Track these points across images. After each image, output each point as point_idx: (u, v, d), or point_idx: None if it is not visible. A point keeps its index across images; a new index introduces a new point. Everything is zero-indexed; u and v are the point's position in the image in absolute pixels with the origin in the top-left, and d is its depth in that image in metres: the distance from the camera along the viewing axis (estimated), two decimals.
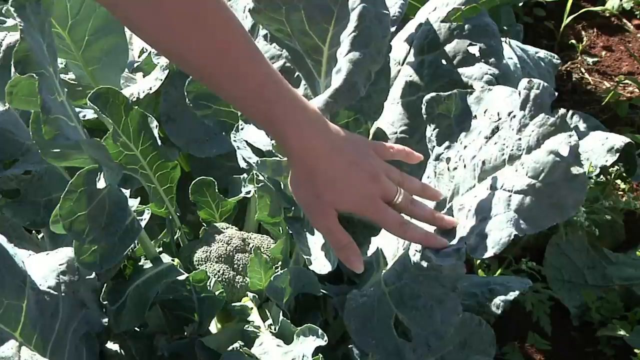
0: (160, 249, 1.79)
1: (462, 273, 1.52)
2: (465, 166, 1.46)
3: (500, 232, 1.27)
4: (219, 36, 1.40)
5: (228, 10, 1.41)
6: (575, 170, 1.22)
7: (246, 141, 1.68)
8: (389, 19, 1.59)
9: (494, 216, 1.32)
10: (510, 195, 1.30)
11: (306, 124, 1.41)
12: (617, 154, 1.92)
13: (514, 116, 1.39)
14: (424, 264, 1.41)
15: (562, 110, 1.25)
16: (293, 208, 1.69)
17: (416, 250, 1.44)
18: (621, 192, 2.17)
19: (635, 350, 2.04)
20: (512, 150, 1.35)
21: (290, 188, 1.50)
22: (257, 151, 1.67)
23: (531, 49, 2.04)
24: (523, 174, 1.31)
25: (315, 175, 1.40)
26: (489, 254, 1.27)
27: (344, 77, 1.52)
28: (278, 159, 1.60)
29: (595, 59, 2.72)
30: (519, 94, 1.39)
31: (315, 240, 1.64)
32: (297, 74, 1.70)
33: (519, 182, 1.30)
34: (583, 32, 2.80)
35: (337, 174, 1.40)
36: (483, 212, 1.35)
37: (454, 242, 1.38)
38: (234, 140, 1.71)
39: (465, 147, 1.49)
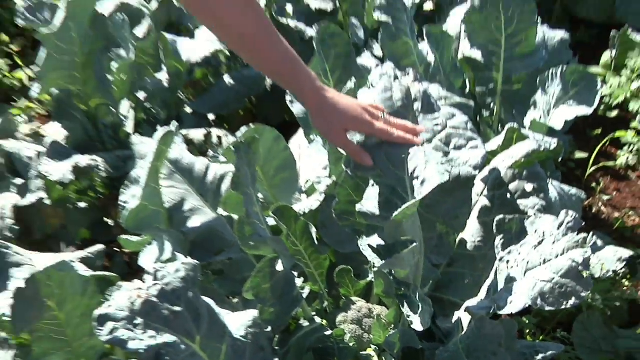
0: (314, 313, 1.99)
1: (501, 332, 1.73)
2: (518, 265, 1.74)
3: (519, 302, 1.60)
4: (270, 28, 1.84)
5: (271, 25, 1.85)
6: (585, 274, 1.57)
7: (368, 244, 1.86)
8: (472, 168, 1.83)
9: (520, 293, 1.63)
10: (536, 282, 1.61)
11: (316, 80, 1.87)
12: (624, 262, 2.17)
13: (552, 234, 1.71)
14: (480, 322, 1.73)
15: (584, 234, 1.64)
16: (402, 288, 1.86)
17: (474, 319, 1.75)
18: (626, 287, 2.34)
19: None
20: (548, 257, 1.67)
21: (313, 125, 1.96)
22: (375, 251, 1.85)
23: (566, 188, 2.21)
24: (550, 270, 1.62)
25: (325, 109, 1.87)
26: (509, 311, 1.63)
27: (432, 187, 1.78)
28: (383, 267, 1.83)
29: (609, 197, 3.00)
30: (559, 221, 1.71)
31: (416, 318, 1.79)
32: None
33: (545, 275, 1.61)
34: (601, 179, 3.06)
35: (338, 106, 1.86)
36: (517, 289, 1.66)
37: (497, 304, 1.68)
38: (360, 245, 1.90)
39: (519, 253, 1.76)
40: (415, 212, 1.79)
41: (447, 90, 2.33)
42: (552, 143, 2.20)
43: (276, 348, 1.87)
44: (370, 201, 1.88)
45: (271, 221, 1.98)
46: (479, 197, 1.93)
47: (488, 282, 1.82)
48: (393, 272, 1.85)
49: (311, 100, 1.87)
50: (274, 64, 1.86)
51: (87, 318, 1.62)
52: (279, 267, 1.84)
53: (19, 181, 2.76)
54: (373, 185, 1.90)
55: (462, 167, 1.84)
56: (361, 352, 1.89)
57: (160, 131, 1.96)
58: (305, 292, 2.00)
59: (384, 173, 1.86)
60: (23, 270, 1.95)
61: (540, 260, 1.71)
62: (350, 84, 2.25)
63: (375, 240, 1.87)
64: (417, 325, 1.78)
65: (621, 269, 2.24)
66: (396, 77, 2.03)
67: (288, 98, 2.32)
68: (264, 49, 1.84)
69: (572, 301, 1.60)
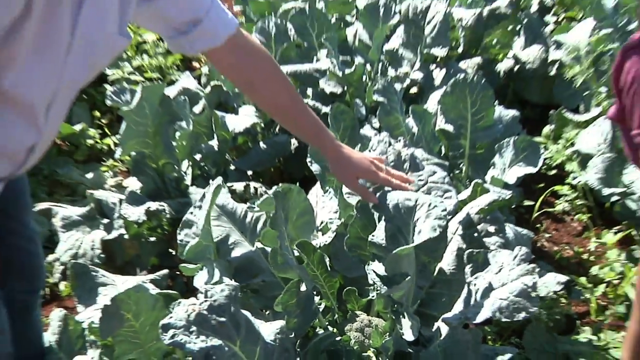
0: (327, 323, 1.98)
1: (470, 338, 1.74)
2: (482, 287, 1.73)
3: (483, 315, 1.62)
4: (301, 103, 1.84)
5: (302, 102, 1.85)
6: (533, 294, 1.61)
7: (373, 270, 1.83)
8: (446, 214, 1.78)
9: (484, 308, 1.65)
10: (496, 300, 1.64)
11: (335, 140, 1.86)
12: (562, 285, 2.14)
13: (508, 264, 1.74)
14: (453, 331, 1.74)
15: (532, 264, 1.68)
16: (396, 306, 1.83)
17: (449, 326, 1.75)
18: (563, 304, 2.35)
19: None
20: (505, 281, 1.70)
21: (332, 172, 1.94)
22: (379, 276, 1.82)
23: (518, 229, 2.20)
24: (507, 291, 1.64)
25: (341, 161, 1.85)
26: (477, 321, 1.65)
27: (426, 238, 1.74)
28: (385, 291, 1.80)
29: (550, 235, 2.96)
30: (514, 254, 1.75)
31: (406, 328, 1.80)
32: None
33: (503, 295, 1.63)
34: (544, 221, 3.02)
35: (352, 159, 1.84)
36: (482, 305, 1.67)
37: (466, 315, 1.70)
38: (367, 270, 1.86)
39: (484, 278, 1.76)
40: (411, 252, 1.77)
41: (428, 153, 2.31)
42: (507, 194, 2.23)
43: (298, 350, 1.85)
44: (380, 232, 1.85)
45: (295, 252, 1.98)
46: (454, 235, 1.91)
47: (460, 300, 1.80)
48: (392, 295, 1.83)
49: (331, 154, 1.85)
50: (303, 128, 1.86)
51: (155, 326, 1.62)
52: (303, 287, 1.83)
53: (105, 221, 2.77)
54: (383, 221, 1.88)
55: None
56: (363, 354, 1.87)
57: (212, 184, 1.96)
58: (321, 307, 1.99)
59: (394, 216, 1.85)
60: (108, 289, 1.98)
61: (499, 283, 1.73)
62: (356, 149, 2.24)
63: (379, 267, 1.84)
64: (408, 335, 1.78)
65: (560, 290, 2.23)
66: (390, 144, 2.06)
67: (308, 159, 2.31)
68: (296, 117, 1.83)
69: (523, 315, 1.62)
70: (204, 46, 1.61)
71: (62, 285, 2.66)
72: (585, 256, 2.76)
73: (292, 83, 1.75)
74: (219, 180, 2.01)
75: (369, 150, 2.10)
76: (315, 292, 1.96)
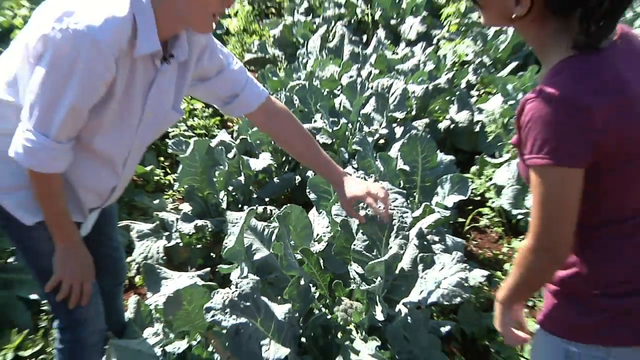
0: (321, 306, 1.97)
1: (422, 316, 1.72)
2: (430, 281, 1.71)
3: (431, 299, 1.61)
4: (316, 147, 1.65)
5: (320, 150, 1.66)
6: (465, 284, 1.61)
7: (354, 270, 1.83)
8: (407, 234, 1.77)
9: (432, 295, 1.63)
10: (440, 289, 1.63)
11: (341, 171, 1.65)
12: (485, 277, 2.14)
13: (448, 264, 1.71)
14: (410, 311, 1.73)
15: (464, 264, 1.67)
16: (370, 294, 1.80)
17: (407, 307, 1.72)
18: (485, 290, 2.33)
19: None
20: (446, 275, 1.67)
21: (338, 193, 1.67)
22: (359, 275, 1.83)
23: (455, 238, 2.17)
24: (447, 283, 1.63)
25: (341, 188, 1.63)
26: (426, 304, 1.63)
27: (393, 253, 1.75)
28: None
29: (476, 242, 2.89)
30: (452, 257, 1.73)
31: (377, 309, 1.77)
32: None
33: (445, 285, 1.62)
34: (472, 233, 2.94)
35: (350, 187, 1.62)
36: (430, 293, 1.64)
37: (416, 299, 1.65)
38: (350, 269, 1.86)
39: (431, 274, 1.74)
40: (383, 262, 1.74)
41: (391, 185, 2.27)
42: (447, 214, 2.23)
43: (300, 325, 1.84)
44: (359, 242, 1.84)
45: (298, 256, 1.97)
46: (410, 244, 1.87)
47: (415, 289, 1.78)
48: (370, 284, 1.80)
49: (336, 182, 1.68)
50: (318, 166, 1.70)
51: (201, 309, 1.60)
52: (302, 281, 1.82)
53: (166, 233, 2.74)
54: (362, 234, 1.84)
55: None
56: (346, 327, 1.85)
57: (247, 210, 1.94)
58: (317, 295, 1.97)
59: (373, 233, 1.82)
60: (167, 282, 1.95)
61: (442, 277, 1.71)
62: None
63: (358, 268, 1.84)
64: (378, 314, 1.80)
65: (483, 281, 2.23)
66: (365, 179, 2.01)
67: (307, 190, 2.28)
68: (310, 158, 1.69)
69: (458, 299, 1.63)
70: (240, 113, 1.58)
71: (137, 279, 2.64)
72: (500, 257, 2.75)
73: (308, 132, 1.66)
74: (252, 208, 1.99)
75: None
76: (312, 284, 1.94)
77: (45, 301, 2.16)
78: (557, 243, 0.96)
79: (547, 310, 1.08)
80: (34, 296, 2.23)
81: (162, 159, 3.78)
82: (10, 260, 2.34)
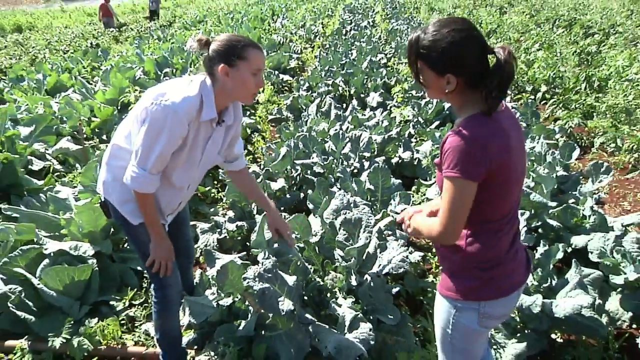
0: (317, 277, 1.83)
1: (382, 282, 1.66)
2: (385, 259, 1.69)
3: (386, 270, 1.56)
4: (264, 198, 1.53)
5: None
6: (407, 260, 1.55)
7: (338, 254, 1.73)
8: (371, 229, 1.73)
9: (387, 268, 1.59)
10: (391, 264, 1.60)
11: (275, 211, 1.52)
12: (420, 257, 2.04)
13: (396, 248, 1.69)
14: (373, 279, 1.65)
15: (408, 247, 1.63)
16: (348, 268, 1.74)
17: (376, 275, 1.63)
18: (421, 264, 2.18)
19: None
20: (395, 254, 1.65)
21: (267, 220, 1.50)
22: (341, 257, 1.73)
23: (402, 232, 2.03)
24: (395, 260, 1.63)
25: (270, 221, 1.52)
26: (383, 273, 1.56)
27: (363, 243, 1.71)
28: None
29: None
30: (399, 243, 1.67)
31: (352, 278, 1.71)
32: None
33: (394, 261, 1.63)
34: None
35: (275, 222, 1.52)
36: (385, 267, 1.61)
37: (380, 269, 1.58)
38: (335, 253, 1.76)
39: (386, 255, 1.72)
40: (355, 248, 1.73)
41: (362, 199, 2.28)
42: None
43: (303, 289, 1.79)
44: (341, 236, 1.81)
45: (301, 245, 1.94)
46: (373, 236, 1.84)
47: (376, 264, 1.76)
48: (346, 265, 1.77)
49: (270, 217, 1.59)
50: (259, 202, 1.61)
51: (240, 278, 1.59)
52: (299, 264, 1.79)
53: (218, 230, 2.68)
54: (343, 230, 1.82)
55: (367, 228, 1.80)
56: (332, 290, 1.81)
57: (262, 215, 1.90)
58: (312, 270, 1.92)
59: (350, 228, 1.78)
60: (219, 261, 1.90)
61: (391, 256, 1.70)
62: (326, 198, 2.20)
63: (340, 252, 1.81)
64: (353, 282, 1.76)
65: (420, 259, 2.17)
66: (345, 195, 2.04)
67: (307, 202, 2.25)
68: (260, 202, 1.61)
69: (402, 270, 1.61)
70: (234, 169, 1.56)
71: (201, 259, 2.56)
72: (430, 244, 2.63)
73: (261, 189, 1.60)
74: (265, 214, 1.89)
75: (335, 199, 1.99)
76: (310, 263, 1.91)
77: (145, 272, 2.15)
78: (454, 229, 0.96)
79: (442, 282, 1.09)
80: (139, 268, 2.27)
81: (215, 182, 3.71)
82: (126, 245, 2.41)
